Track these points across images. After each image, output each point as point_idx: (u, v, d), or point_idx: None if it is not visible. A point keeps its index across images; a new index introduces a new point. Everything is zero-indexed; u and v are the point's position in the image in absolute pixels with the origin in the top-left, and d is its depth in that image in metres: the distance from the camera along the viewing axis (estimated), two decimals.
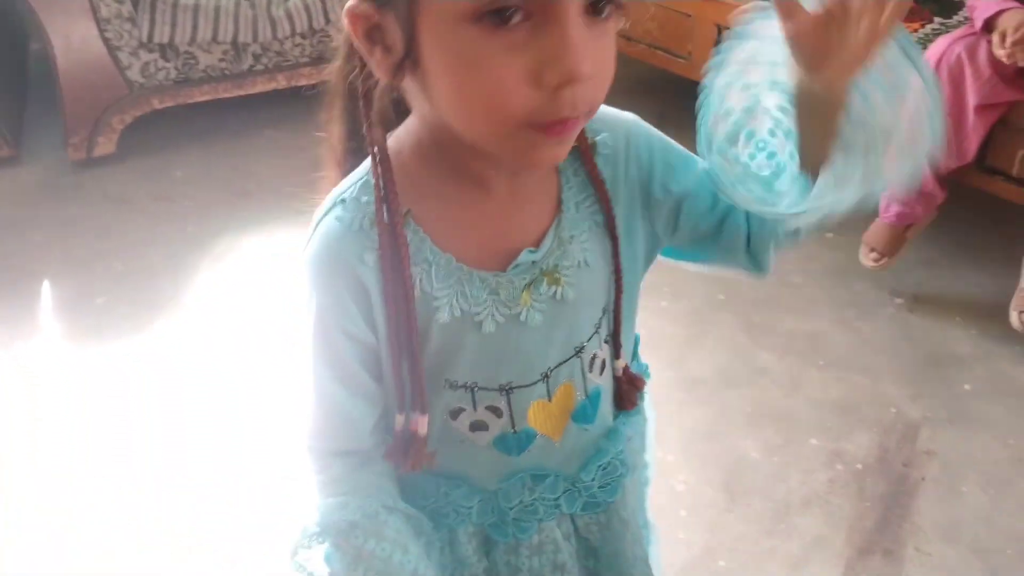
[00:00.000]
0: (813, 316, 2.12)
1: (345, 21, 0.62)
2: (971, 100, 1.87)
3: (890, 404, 1.91)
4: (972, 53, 1.86)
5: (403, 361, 0.69)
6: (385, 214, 0.67)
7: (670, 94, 2.82)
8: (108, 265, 2.20)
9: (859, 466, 1.78)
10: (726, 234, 0.78)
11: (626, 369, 0.81)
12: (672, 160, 0.78)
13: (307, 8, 2.47)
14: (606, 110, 0.73)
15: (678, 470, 1.77)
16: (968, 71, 1.86)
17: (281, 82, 2.57)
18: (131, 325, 2.05)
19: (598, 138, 0.75)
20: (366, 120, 0.67)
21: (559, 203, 0.73)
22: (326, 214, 0.69)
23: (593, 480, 0.82)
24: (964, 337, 2.06)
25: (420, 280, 0.69)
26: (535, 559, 0.82)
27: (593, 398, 0.79)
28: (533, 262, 0.72)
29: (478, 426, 0.76)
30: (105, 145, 2.49)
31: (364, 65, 0.65)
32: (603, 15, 0.60)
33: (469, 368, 0.73)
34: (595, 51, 0.60)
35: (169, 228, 2.31)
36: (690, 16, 2.35)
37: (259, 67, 2.54)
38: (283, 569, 0.73)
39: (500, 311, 0.71)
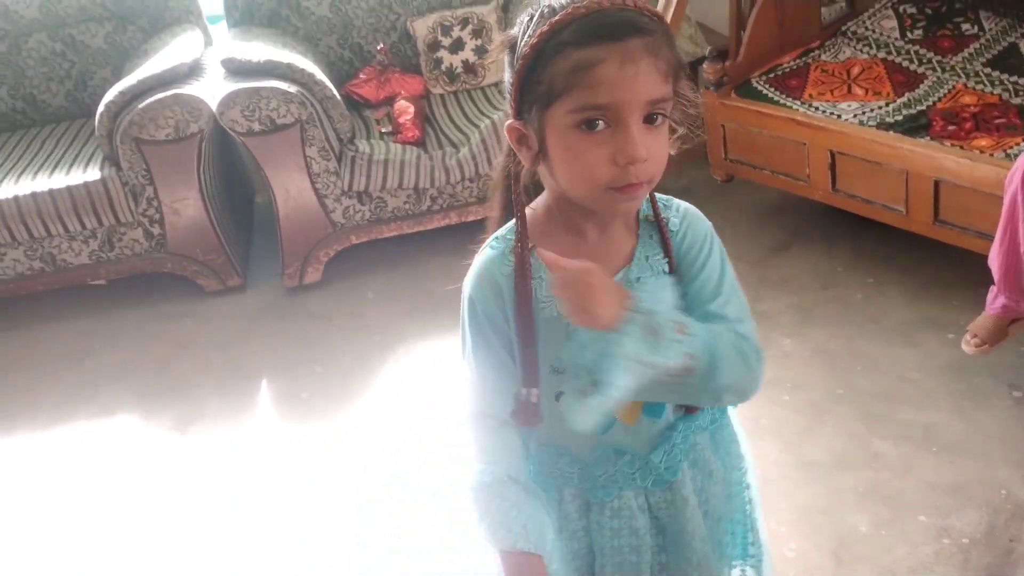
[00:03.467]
0: (930, 408, 2.26)
1: (505, 132, 1.02)
2: None
3: (1001, 486, 2.01)
4: None
5: (523, 346, 1.03)
6: (519, 246, 1.03)
7: (791, 210, 3.10)
8: (311, 369, 2.68)
9: (965, 540, 1.90)
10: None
11: None
12: (703, 272, 1.07)
13: (474, 158, 2.94)
14: (693, 210, 1.09)
15: (789, 539, 1.95)
16: None
17: (453, 218, 3.04)
18: (329, 414, 2.49)
19: (674, 220, 1.08)
20: (515, 191, 1.05)
21: (633, 255, 1.06)
22: (485, 247, 1.07)
23: (660, 462, 1.11)
24: None
25: (535, 290, 1.03)
26: (616, 520, 1.12)
27: None
28: None
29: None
30: (312, 274, 3.02)
31: (517, 160, 1.04)
32: (655, 123, 0.96)
33: (564, 359, 1.04)
34: (650, 144, 0.95)
35: (360, 338, 2.78)
36: (805, 144, 2.63)
37: (435, 207, 3.02)
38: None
39: None
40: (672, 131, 1.01)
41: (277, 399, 2.62)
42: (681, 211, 1.09)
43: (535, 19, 0.97)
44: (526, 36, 0.97)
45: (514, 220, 1.06)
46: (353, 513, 2.14)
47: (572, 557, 1.14)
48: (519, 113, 0.99)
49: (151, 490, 2.33)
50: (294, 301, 3.00)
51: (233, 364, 2.74)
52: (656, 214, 1.07)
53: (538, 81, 0.95)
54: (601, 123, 0.94)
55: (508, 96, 1.01)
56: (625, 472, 1.11)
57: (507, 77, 1.01)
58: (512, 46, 1.00)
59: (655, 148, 0.96)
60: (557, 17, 0.94)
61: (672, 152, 1.02)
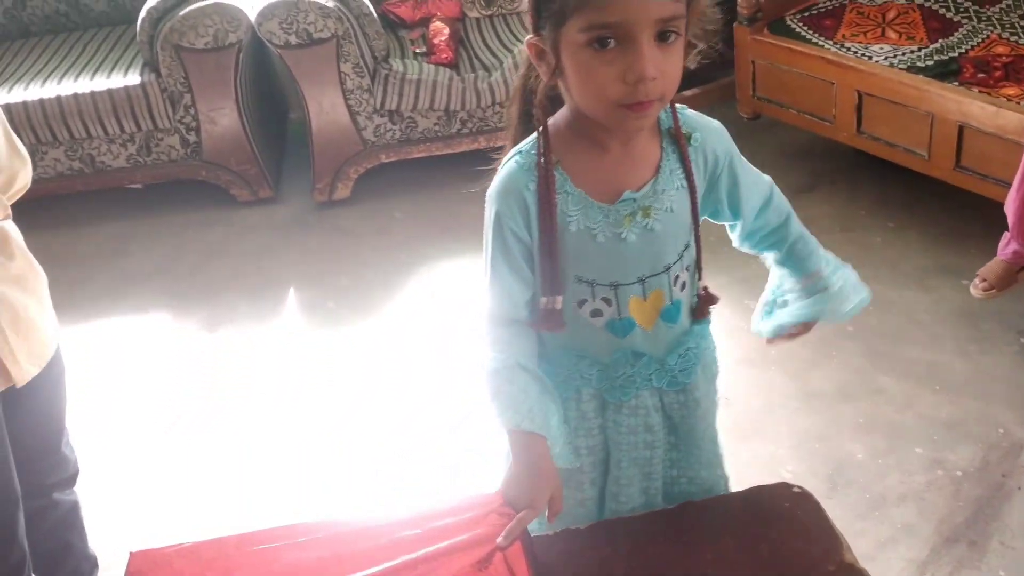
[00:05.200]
0: (936, 348, 2.31)
1: (525, 47, 1.06)
2: None
3: (999, 425, 2.07)
4: None
5: (548, 257, 1.09)
6: (543, 161, 1.08)
7: (817, 153, 3.12)
8: (336, 281, 2.76)
9: (959, 473, 1.97)
10: (755, 232, 1.21)
11: (706, 288, 1.19)
12: (735, 171, 1.16)
13: (505, 82, 2.97)
14: (706, 120, 1.14)
15: (787, 462, 2.03)
16: None
17: (482, 143, 3.08)
18: (350, 324, 2.59)
19: (693, 134, 1.13)
20: (538, 105, 1.08)
21: (659, 167, 1.11)
22: (509, 160, 1.12)
23: (675, 364, 1.18)
24: None
25: (561, 204, 1.09)
26: (632, 418, 1.20)
27: (676, 305, 1.16)
28: (634, 200, 1.09)
29: (596, 313, 1.14)
30: (342, 190, 3.09)
31: (536, 74, 1.08)
32: (668, 41, 0.98)
33: (589, 268, 1.11)
34: (661, 62, 0.98)
35: (386, 254, 2.85)
36: (833, 84, 2.65)
37: (465, 130, 3.06)
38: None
39: (609, 229, 1.09)
40: (692, 46, 1.05)
41: (303, 306, 2.72)
42: (703, 125, 1.14)
43: None
44: None
45: (535, 135, 1.10)
46: (368, 412, 2.25)
47: (588, 452, 1.22)
48: (537, 29, 1.03)
49: (181, 384, 2.44)
50: (323, 216, 3.07)
51: (262, 272, 2.83)
52: (677, 129, 1.12)
53: None
54: (612, 41, 0.96)
55: (528, 11, 1.05)
56: (642, 374, 1.17)
57: None
58: None
59: (667, 66, 0.99)
60: None
61: (691, 67, 1.06)
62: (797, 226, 1.23)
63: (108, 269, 2.92)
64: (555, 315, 1.12)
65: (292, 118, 3.59)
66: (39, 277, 1.41)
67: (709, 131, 1.14)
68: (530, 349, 1.16)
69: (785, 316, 1.26)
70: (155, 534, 1.83)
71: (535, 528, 1.14)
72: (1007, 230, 2.27)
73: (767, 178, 1.21)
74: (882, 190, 2.87)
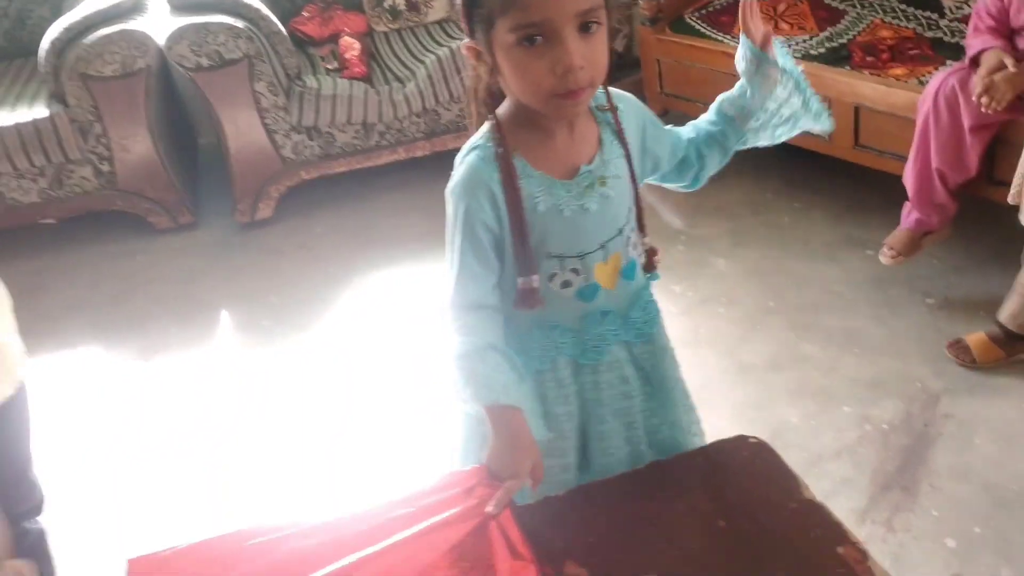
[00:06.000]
0: (852, 316, 2.46)
1: (464, 51, 1.14)
2: (966, 123, 2.23)
3: (916, 380, 2.23)
4: (963, 84, 2.23)
5: (520, 239, 1.15)
6: (501, 151, 1.14)
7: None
8: (267, 299, 2.76)
9: (885, 426, 2.11)
10: (683, 170, 1.28)
11: (651, 246, 1.28)
12: (654, 130, 1.26)
13: (420, 93, 3.03)
14: (621, 92, 1.24)
15: (727, 432, 2.11)
16: (961, 99, 2.23)
17: (401, 154, 3.12)
18: (286, 340, 2.59)
19: (619, 105, 1.22)
20: (485, 102, 1.16)
21: (600, 141, 1.20)
22: (468, 154, 1.17)
23: (638, 317, 1.27)
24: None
25: (524, 188, 1.15)
26: (607, 374, 1.27)
27: (632, 263, 1.25)
28: (590, 171, 1.18)
29: (566, 284, 1.21)
30: (264, 210, 3.08)
31: (478, 74, 1.15)
32: (591, 31, 1.07)
33: (558, 243, 1.18)
34: (586, 52, 1.07)
35: (313, 270, 2.86)
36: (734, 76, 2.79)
37: (383, 142, 3.10)
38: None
39: (573, 203, 1.17)
40: (616, 31, 1.14)
41: (238, 327, 2.70)
42: (621, 96, 1.25)
43: None
44: None
45: (484, 130, 1.17)
46: (318, 425, 2.26)
47: (567, 418, 1.28)
48: (471, 33, 1.11)
49: (121, 414, 2.40)
50: (247, 237, 3.06)
51: (190, 296, 2.81)
52: (610, 104, 1.21)
53: (481, 5, 1.07)
54: (539, 38, 1.05)
55: (461, 17, 1.12)
56: (611, 330, 1.25)
57: (457, 1, 1.12)
58: None
59: (592, 55, 1.08)
60: None
61: (619, 49, 1.15)
62: (707, 119, 1.34)
63: (27, 307, 2.80)
64: (533, 293, 1.18)
65: (202, 143, 3.56)
66: (3, 299, 1.40)
67: (627, 101, 1.25)
68: (498, 331, 1.21)
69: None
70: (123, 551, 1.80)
71: (517, 499, 1.19)
72: (908, 200, 2.44)
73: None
74: (787, 173, 3.03)
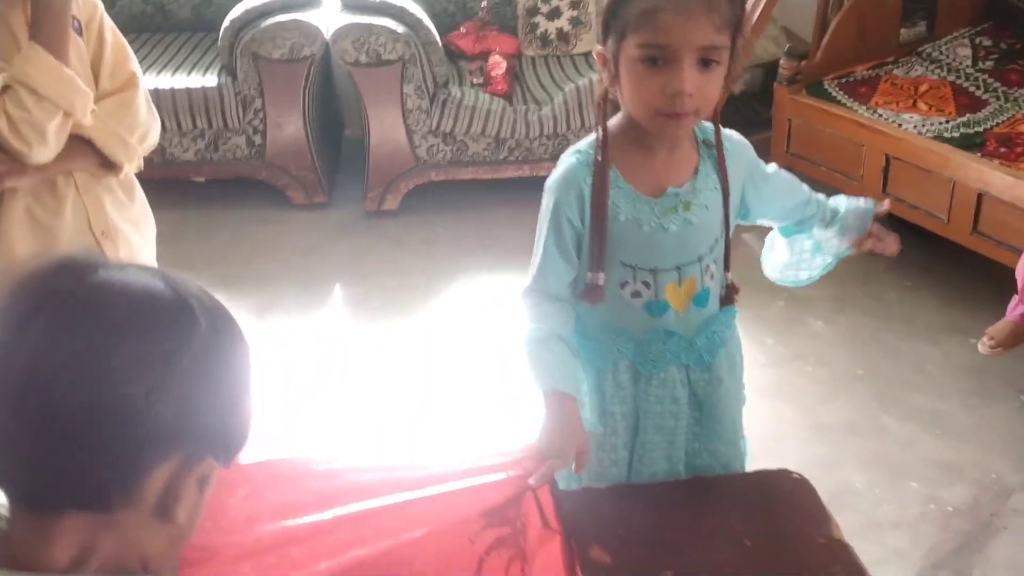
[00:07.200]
0: (941, 398, 2.44)
1: (595, 55, 1.26)
2: None
3: (993, 471, 2.20)
4: None
5: (596, 239, 1.26)
6: (600, 159, 1.26)
7: None
8: (382, 282, 2.94)
9: (950, 508, 2.09)
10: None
11: (732, 282, 1.36)
12: (760, 180, 1.37)
13: (554, 117, 3.17)
14: (736, 135, 1.34)
15: None
16: None
17: (526, 171, 3.27)
18: (392, 321, 2.76)
19: (727, 146, 1.32)
20: (598, 107, 1.28)
21: (696, 170, 1.30)
22: (570, 156, 1.30)
23: (702, 345, 1.34)
24: None
25: (611, 196, 1.26)
26: (660, 389, 1.35)
27: (706, 292, 1.33)
28: (677, 194, 1.28)
29: (635, 294, 1.31)
30: (391, 202, 3.28)
31: (601, 79, 1.27)
32: (709, 67, 1.18)
33: (633, 254, 1.28)
34: (700, 83, 1.17)
35: (427, 263, 3.04)
36: (863, 146, 2.81)
37: (511, 158, 3.25)
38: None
39: (654, 220, 1.27)
40: (733, 78, 1.24)
41: (349, 303, 2.90)
42: (734, 139, 1.34)
43: None
44: None
45: (593, 135, 1.28)
46: (402, 402, 2.40)
47: (621, 417, 1.36)
48: (604, 40, 1.23)
49: None
50: (371, 224, 3.26)
51: (311, 268, 3.02)
52: (718, 140, 1.30)
53: (618, 17, 1.19)
54: (661, 60, 1.16)
55: (600, 24, 1.25)
56: (672, 351, 1.33)
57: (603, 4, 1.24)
58: None
59: (704, 87, 1.18)
60: None
61: (735, 92, 1.25)
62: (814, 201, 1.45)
63: (163, 253, 3.10)
64: (597, 290, 1.28)
65: (347, 135, 3.80)
66: (151, 225, 1.59)
67: (740, 145, 1.34)
68: (568, 324, 1.31)
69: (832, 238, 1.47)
70: None
71: (563, 484, 1.29)
72: (1016, 293, 2.41)
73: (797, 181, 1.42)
74: (903, 250, 3.00)
